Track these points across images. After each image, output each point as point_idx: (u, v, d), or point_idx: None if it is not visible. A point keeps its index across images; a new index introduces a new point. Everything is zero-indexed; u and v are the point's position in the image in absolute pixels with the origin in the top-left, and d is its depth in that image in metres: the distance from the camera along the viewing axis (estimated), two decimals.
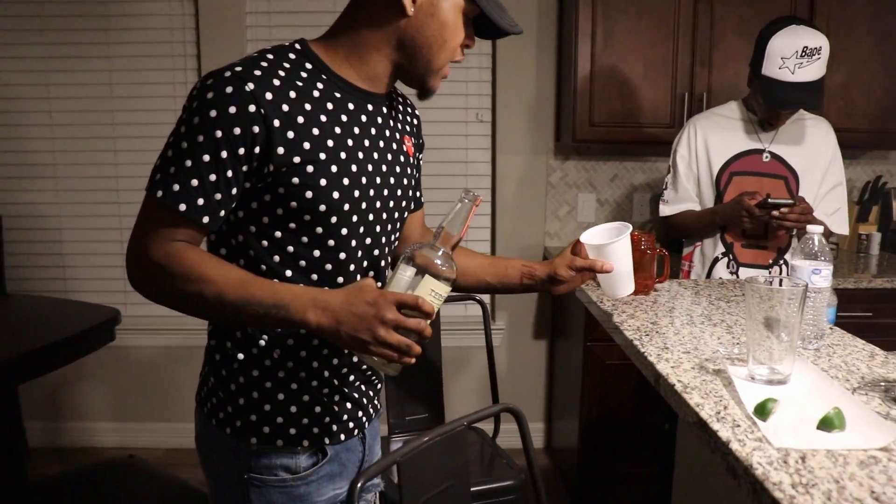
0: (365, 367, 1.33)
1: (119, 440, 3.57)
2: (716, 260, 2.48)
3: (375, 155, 1.27)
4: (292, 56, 1.20)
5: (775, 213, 2.25)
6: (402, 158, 1.35)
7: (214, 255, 1.21)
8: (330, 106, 1.20)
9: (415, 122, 1.46)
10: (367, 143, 1.25)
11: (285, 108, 1.13)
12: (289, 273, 1.21)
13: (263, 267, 1.20)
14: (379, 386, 1.43)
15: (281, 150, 1.13)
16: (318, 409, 1.28)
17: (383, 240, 1.33)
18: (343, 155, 1.20)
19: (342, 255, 1.24)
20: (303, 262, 1.21)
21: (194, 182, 1.10)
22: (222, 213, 1.15)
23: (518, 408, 1.50)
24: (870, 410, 1.23)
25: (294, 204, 1.17)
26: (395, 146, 1.33)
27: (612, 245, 1.46)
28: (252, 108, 1.10)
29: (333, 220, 1.20)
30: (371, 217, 1.27)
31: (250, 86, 1.11)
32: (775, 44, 2.23)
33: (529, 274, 1.52)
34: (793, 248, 2.44)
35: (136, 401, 3.56)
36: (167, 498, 2.27)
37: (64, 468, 3.20)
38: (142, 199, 1.15)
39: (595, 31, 3.02)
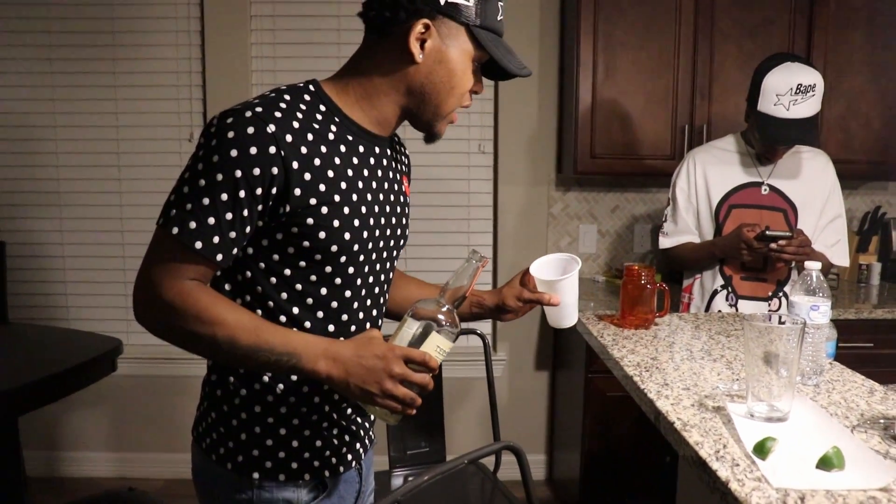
0: None
1: (118, 471, 3.55)
2: (715, 292, 2.49)
3: (381, 196, 1.30)
4: (307, 98, 1.22)
5: (773, 245, 2.27)
6: (401, 199, 1.39)
7: (220, 290, 1.23)
8: (343, 149, 1.22)
9: (407, 161, 1.49)
10: (374, 185, 1.28)
11: (303, 150, 1.15)
12: (296, 310, 1.23)
13: (271, 304, 1.22)
14: (373, 417, 1.44)
15: (298, 192, 1.15)
16: (318, 442, 1.29)
17: (383, 277, 1.36)
18: (354, 197, 1.23)
19: (348, 293, 1.27)
20: (310, 300, 1.23)
21: (211, 220, 1.12)
22: (235, 250, 1.17)
23: (518, 445, 1.50)
24: (869, 449, 1.23)
25: (307, 244, 1.19)
26: (396, 187, 1.36)
27: (562, 281, 1.47)
28: (273, 149, 1.12)
29: (343, 259, 1.23)
30: (374, 256, 1.30)
31: (272, 127, 1.12)
32: (770, 81, 2.26)
33: (478, 303, 1.54)
34: (792, 281, 2.45)
35: (135, 431, 3.55)
36: None
37: (62, 499, 3.19)
38: (145, 228, 1.17)
39: (596, 64, 3.06)
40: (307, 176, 1.16)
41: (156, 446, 3.54)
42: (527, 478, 1.53)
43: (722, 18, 3.06)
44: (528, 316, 3.43)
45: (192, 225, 1.12)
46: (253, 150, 1.11)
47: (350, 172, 1.23)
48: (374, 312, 1.35)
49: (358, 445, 1.37)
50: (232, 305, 1.17)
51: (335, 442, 1.32)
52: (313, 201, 1.17)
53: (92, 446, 3.56)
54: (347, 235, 1.21)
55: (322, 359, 1.14)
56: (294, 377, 1.25)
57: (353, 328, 1.29)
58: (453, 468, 1.37)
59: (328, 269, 1.23)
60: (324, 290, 1.24)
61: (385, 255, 1.34)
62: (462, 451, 1.57)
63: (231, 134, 1.11)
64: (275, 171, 1.12)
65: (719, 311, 2.46)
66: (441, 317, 1.20)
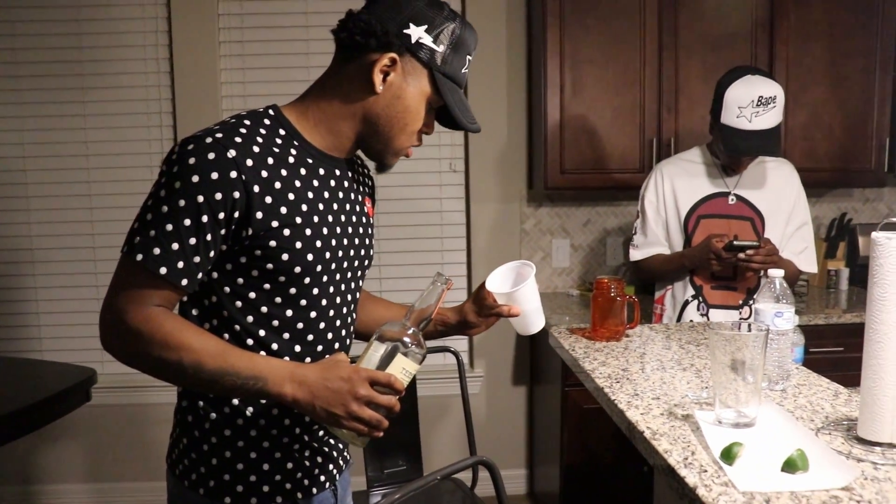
0: None
1: (96, 502, 3.51)
2: (686, 302, 2.52)
3: (342, 218, 1.32)
4: (267, 122, 1.24)
5: (742, 255, 2.30)
6: (364, 220, 1.40)
7: (187, 315, 1.24)
8: (303, 172, 1.24)
9: (370, 182, 1.51)
10: (335, 206, 1.30)
11: (264, 174, 1.17)
12: (262, 332, 1.24)
13: (237, 327, 1.23)
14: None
15: (260, 215, 1.16)
16: (290, 465, 1.30)
17: (349, 297, 1.37)
18: (316, 219, 1.24)
19: (313, 314, 1.28)
20: (276, 322, 1.25)
21: (175, 246, 1.13)
22: (200, 275, 1.18)
23: (490, 460, 1.51)
24: (832, 450, 1.25)
25: (270, 266, 1.20)
26: (358, 208, 1.38)
27: (518, 291, 1.47)
28: (234, 174, 1.13)
29: (307, 280, 1.24)
30: (338, 276, 1.31)
31: (232, 153, 1.14)
32: (732, 94, 2.30)
33: (442, 321, 1.56)
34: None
35: (112, 461, 3.50)
36: None
37: None
38: (118, 256, 1.17)
39: (563, 81, 3.10)
40: (268, 199, 1.17)
41: (132, 476, 3.50)
42: (500, 492, 1.54)
43: (685, 34, 3.12)
44: (504, 332, 3.45)
45: (157, 251, 1.13)
46: (214, 176, 1.12)
47: (311, 195, 1.24)
48: (343, 332, 1.37)
49: (331, 466, 1.38)
50: (198, 331, 1.18)
51: (307, 464, 1.32)
52: (275, 224, 1.18)
53: (68, 478, 3.51)
54: (310, 256, 1.23)
55: (288, 382, 1.15)
56: (263, 400, 1.25)
57: (319, 348, 1.30)
58: (427, 484, 1.38)
59: (292, 290, 1.24)
60: (289, 312, 1.25)
61: (349, 275, 1.35)
62: (441, 468, 1.57)
63: (192, 160, 1.12)
64: (236, 195, 1.14)
65: (691, 320, 2.49)
66: (407, 339, 1.21)
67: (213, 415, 1.25)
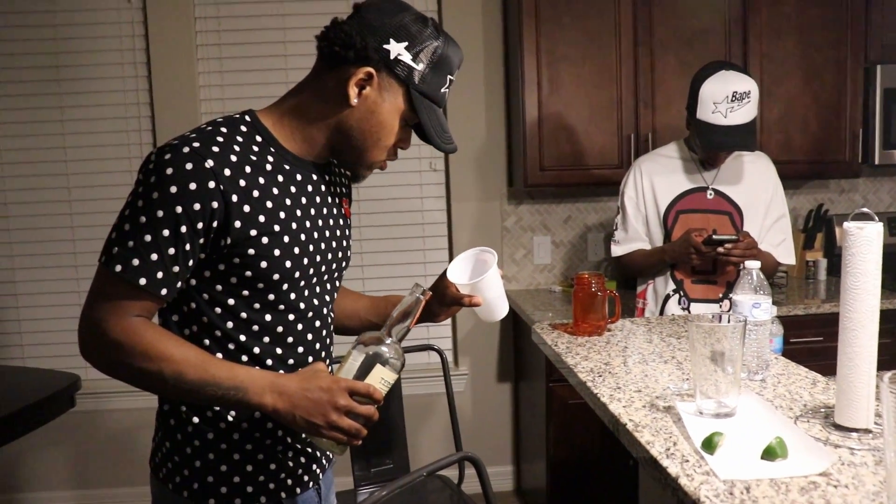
0: None
1: None
2: (667, 297, 2.54)
3: (320, 222, 1.33)
4: (244, 129, 1.24)
5: (721, 248, 2.33)
6: (341, 222, 1.41)
7: (167, 321, 1.25)
8: (280, 178, 1.25)
9: (347, 182, 1.50)
10: (313, 211, 1.31)
11: (242, 182, 1.18)
12: (243, 337, 1.25)
13: (218, 333, 1.23)
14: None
15: (238, 224, 1.17)
16: (273, 465, 1.31)
17: (327, 298, 1.39)
18: (294, 225, 1.25)
19: (291, 317, 1.29)
20: (255, 327, 1.25)
21: (154, 256, 1.13)
22: (179, 284, 1.18)
23: (476, 455, 1.53)
24: (810, 437, 1.28)
25: (248, 273, 1.21)
26: (335, 211, 1.39)
27: (481, 281, 1.45)
28: (212, 184, 1.14)
29: (285, 286, 1.25)
30: (315, 280, 1.33)
31: (210, 162, 1.14)
32: (707, 89, 2.33)
33: None
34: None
35: (97, 466, 3.49)
36: None
37: None
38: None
39: (541, 79, 3.12)
40: (247, 208, 1.18)
41: (118, 481, 3.48)
42: (486, 487, 1.55)
43: (660, 30, 3.15)
44: (487, 330, 3.48)
45: (136, 262, 1.13)
46: (192, 186, 1.12)
47: (288, 201, 1.25)
48: (324, 332, 1.37)
49: (314, 466, 1.39)
50: (178, 341, 1.18)
51: (290, 464, 1.33)
52: (254, 232, 1.19)
53: (53, 485, 3.49)
54: (288, 263, 1.24)
55: (268, 392, 1.16)
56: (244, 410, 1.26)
57: (300, 349, 1.31)
58: (413, 481, 1.39)
59: (271, 296, 1.25)
60: (268, 317, 1.26)
61: (327, 277, 1.37)
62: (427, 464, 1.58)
63: (170, 171, 1.12)
64: (215, 205, 1.14)
65: (672, 314, 2.52)
66: (385, 349, 1.23)
67: (196, 418, 1.26)
